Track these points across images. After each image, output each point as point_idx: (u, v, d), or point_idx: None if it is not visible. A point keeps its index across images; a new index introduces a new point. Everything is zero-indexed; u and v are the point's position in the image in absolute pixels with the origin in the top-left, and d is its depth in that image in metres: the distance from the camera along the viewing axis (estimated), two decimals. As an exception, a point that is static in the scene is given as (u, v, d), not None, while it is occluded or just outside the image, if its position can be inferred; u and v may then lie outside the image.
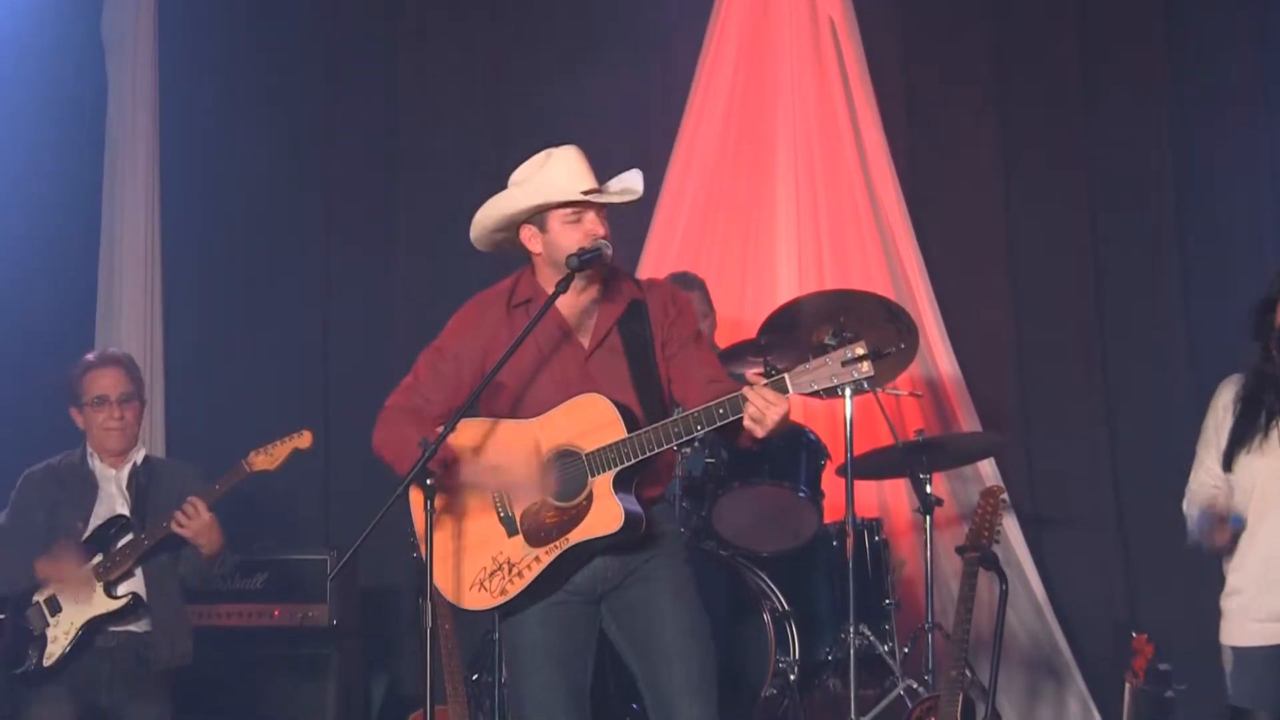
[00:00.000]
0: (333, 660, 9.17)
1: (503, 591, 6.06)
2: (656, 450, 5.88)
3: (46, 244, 10.18)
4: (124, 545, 7.72)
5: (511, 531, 6.08)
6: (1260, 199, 9.26)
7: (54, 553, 7.73)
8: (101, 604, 7.68)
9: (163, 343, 10.21)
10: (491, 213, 6.23)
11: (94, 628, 7.67)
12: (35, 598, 7.71)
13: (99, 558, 7.70)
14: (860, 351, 5.64)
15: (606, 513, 5.93)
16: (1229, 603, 6.40)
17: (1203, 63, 9.49)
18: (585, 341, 6.20)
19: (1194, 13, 9.53)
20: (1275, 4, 9.38)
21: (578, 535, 5.97)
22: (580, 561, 6.05)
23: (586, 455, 5.98)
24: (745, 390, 5.73)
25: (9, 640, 7.70)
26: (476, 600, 6.12)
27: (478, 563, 6.11)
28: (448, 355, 6.28)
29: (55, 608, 7.67)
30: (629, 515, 5.91)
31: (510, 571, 6.06)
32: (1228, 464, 6.35)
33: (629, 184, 6.21)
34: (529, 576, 6.02)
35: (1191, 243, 9.37)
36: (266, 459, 7.77)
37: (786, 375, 5.70)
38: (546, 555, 6.01)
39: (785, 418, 5.73)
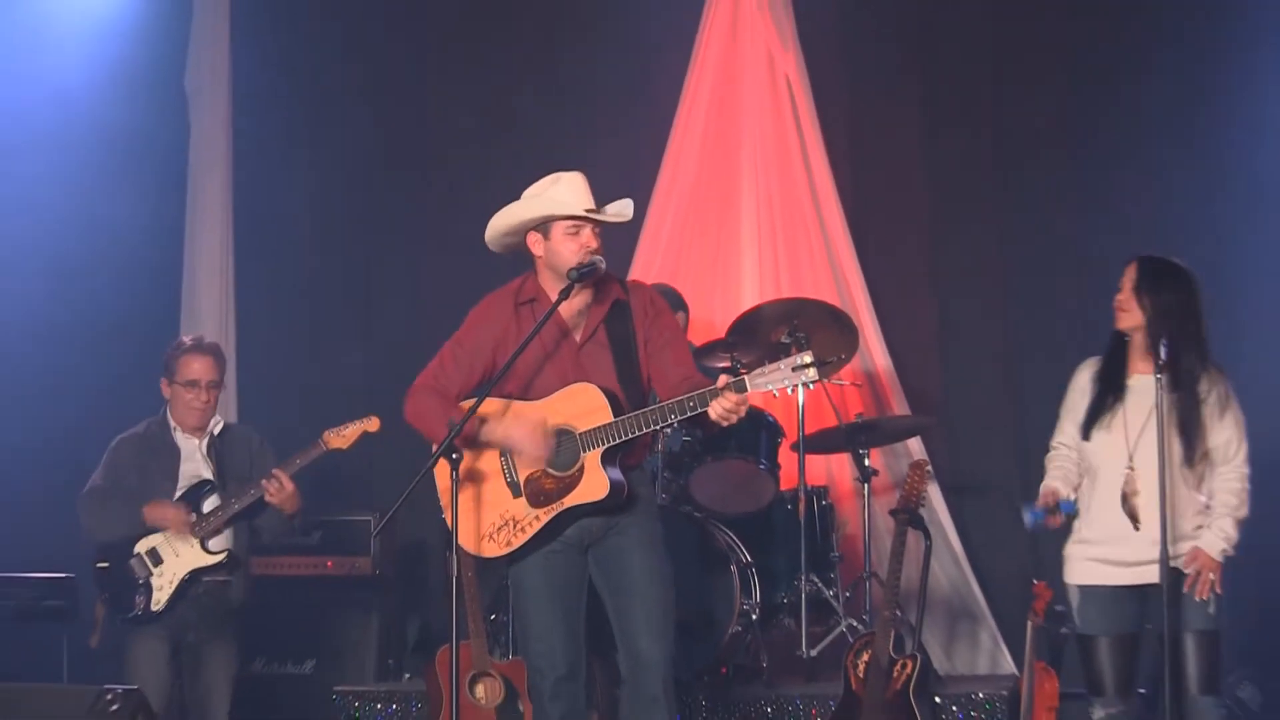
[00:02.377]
0: (375, 604, 9.26)
1: (508, 543, 6.23)
2: (638, 433, 6.01)
3: (138, 261, 10.25)
4: (216, 506, 7.70)
5: (516, 494, 6.24)
6: (1147, 224, 9.28)
7: (158, 503, 7.67)
8: (200, 557, 7.66)
9: (235, 340, 10.26)
10: (506, 218, 6.35)
11: (193, 578, 7.66)
12: (136, 549, 7.67)
13: (193, 516, 7.68)
14: (808, 360, 5.74)
15: (595, 482, 6.08)
16: (1076, 550, 6.51)
17: (1095, 113, 9.51)
18: (578, 337, 6.32)
19: (1087, 75, 9.56)
20: (1162, 42, 9.43)
21: (571, 500, 6.12)
22: (573, 520, 6.17)
23: (580, 434, 6.10)
24: (711, 390, 5.84)
25: (116, 586, 7.68)
26: (487, 549, 6.28)
27: (489, 519, 6.26)
28: (465, 345, 6.40)
29: (156, 559, 7.65)
30: (614, 485, 6.07)
31: (514, 527, 6.22)
32: (1086, 435, 6.46)
33: (621, 209, 6.32)
34: (530, 532, 6.19)
35: (1088, 255, 9.34)
36: (340, 439, 7.78)
37: (746, 378, 5.80)
38: (545, 515, 6.17)
39: (745, 412, 5.86)
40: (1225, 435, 6.37)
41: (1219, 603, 6.31)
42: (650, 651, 6.17)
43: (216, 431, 7.98)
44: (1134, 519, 6.31)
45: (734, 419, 5.85)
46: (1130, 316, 6.43)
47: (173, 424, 7.93)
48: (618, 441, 6.04)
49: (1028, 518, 6.53)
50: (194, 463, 7.90)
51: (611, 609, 6.30)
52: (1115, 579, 6.36)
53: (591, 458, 6.09)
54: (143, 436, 7.96)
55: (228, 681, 7.87)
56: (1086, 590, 6.45)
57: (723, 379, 5.84)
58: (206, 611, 7.77)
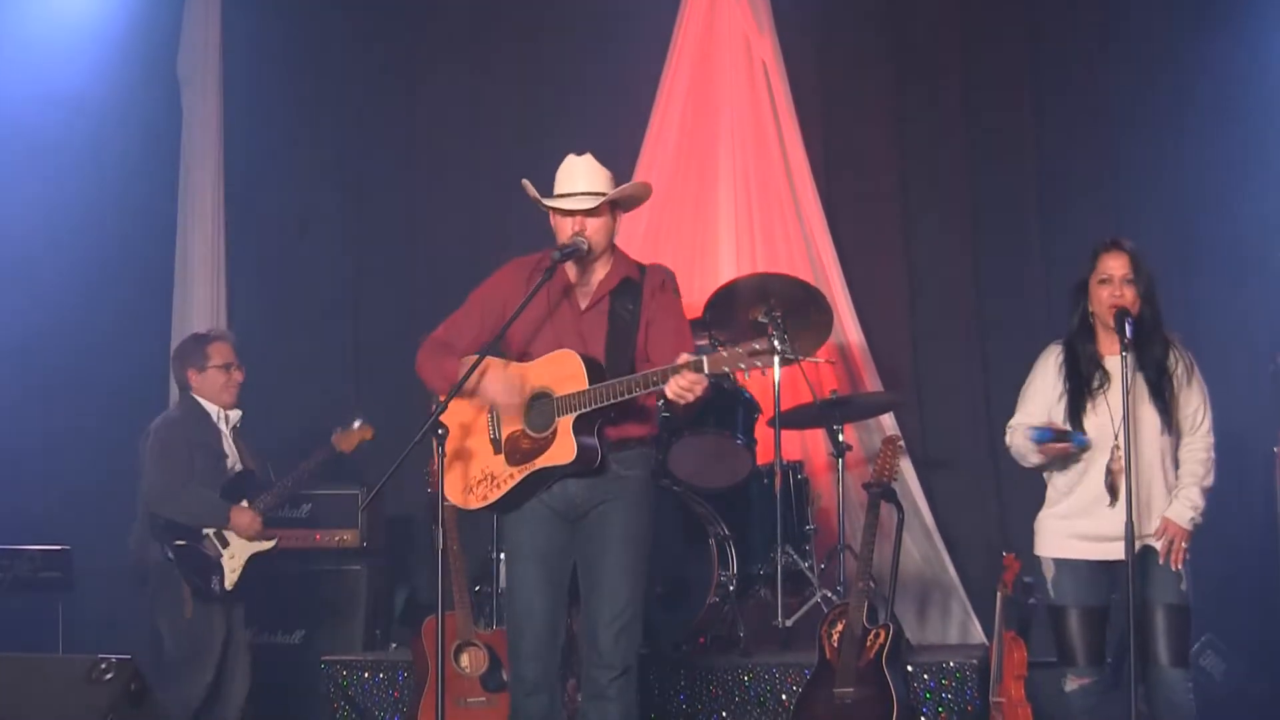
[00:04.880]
0: (363, 575, 9.30)
1: (484, 498, 6.27)
2: (604, 403, 6.00)
3: (130, 245, 10.27)
4: (261, 495, 8.05)
5: (497, 450, 6.26)
6: (1107, 207, 9.31)
7: (242, 509, 7.97)
8: (261, 544, 8.04)
9: (227, 324, 10.20)
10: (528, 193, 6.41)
11: (253, 560, 8.01)
12: (205, 530, 7.94)
13: (244, 503, 8.00)
14: (761, 348, 5.71)
15: (564, 447, 6.09)
16: (1051, 524, 6.50)
17: (1061, 98, 9.54)
18: (583, 304, 6.33)
19: (1053, 62, 9.58)
20: (1127, 26, 9.48)
21: (542, 462, 6.13)
22: (546, 482, 6.19)
23: (556, 399, 6.11)
24: (673, 367, 5.82)
25: (196, 564, 7.89)
26: (466, 501, 6.32)
27: (472, 473, 6.28)
28: (479, 304, 6.45)
29: (224, 541, 7.95)
30: (581, 451, 6.07)
31: (491, 483, 6.24)
32: (1076, 425, 6.42)
33: (579, 185, 6.30)
34: (504, 488, 6.21)
35: (1052, 237, 9.40)
36: (345, 442, 8.28)
37: (704, 359, 5.77)
38: (519, 473, 6.19)
39: (701, 391, 5.83)
40: (1194, 404, 6.40)
41: (1190, 578, 6.32)
42: (608, 649, 6.17)
43: (237, 423, 8.25)
44: (1114, 494, 6.31)
45: (690, 397, 5.82)
46: (1134, 304, 6.40)
47: (210, 408, 8.18)
48: (587, 409, 6.04)
49: (1034, 434, 6.49)
50: (227, 445, 8.19)
51: (583, 593, 6.30)
52: (1090, 554, 6.36)
53: (564, 422, 6.09)
54: (182, 420, 8.17)
55: (246, 639, 8.18)
56: (1061, 563, 6.45)
57: (683, 357, 5.81)
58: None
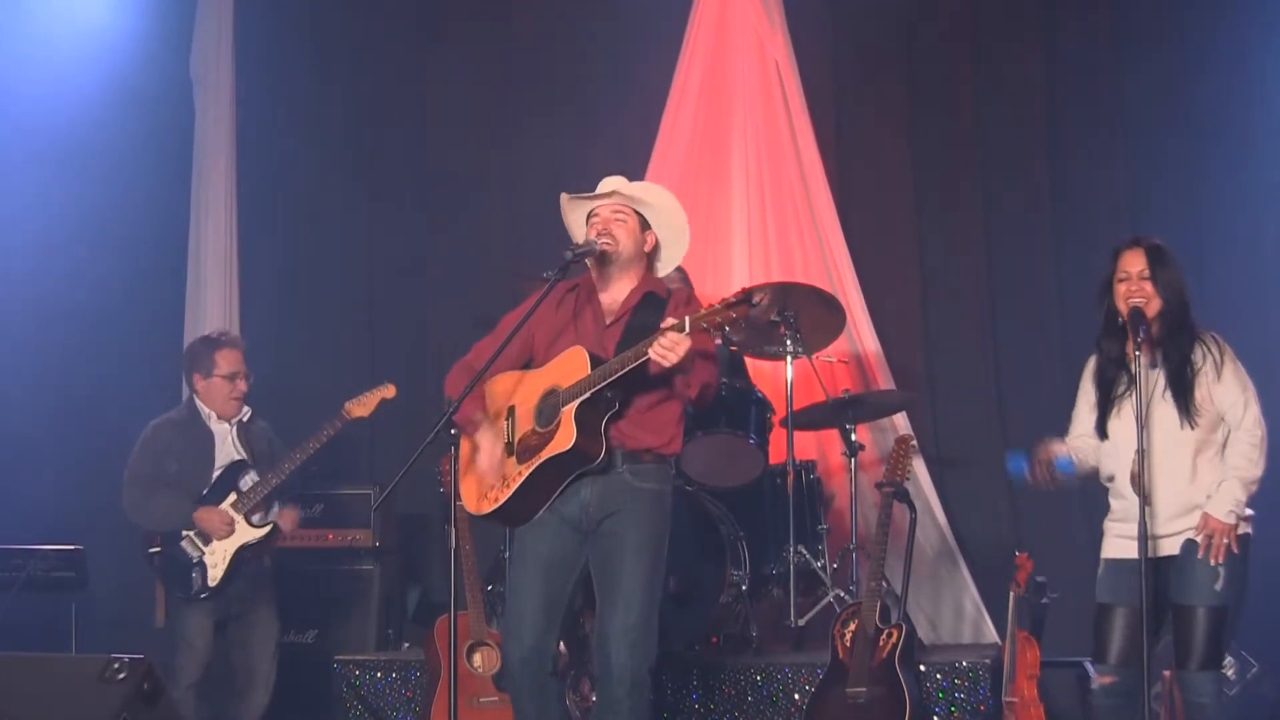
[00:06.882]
0: (376, 575, 9.31)
1: (495, 500, 6.25)
2: (603, 383, 6.00)
3: (143, 245, 10.25)
4: (255, 483, 8.02)
5: (510, 454, 6.26)
6: (1119, 209, 9.28)
7: (209, 508, 7.98)
8: (248, 533, 8.02)
9: (239, 324, 10.18)
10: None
11: (242, 552, 7.97)
12: (184, 531, 7.99)
13: (233, 496, 8.01)
14: (734, 299, 5.71)
15: (565, 434, 6.08)
16: (1108, 526, 6.50)
17: (1073, 98, 9.50)
18: (608, 319, 6.35)
19: (1066, 61, 9.54)
20: (1142, 25, 9.46)
21: (546, 452, 6.11)
22: (556, 478, 6.17)
23: (560, 392, 6.13)
24: (659, 332, 5.83)
25: (172, 567, 7.97)
26: (480, 507, 6.32)
27: (487, 480, 6.30)
28: (505, 325, 6.43)
29: (205, 539, 7.96)
30: (580, 435, 6.05)
31: (502, 484, 6.23)
32: (1103, 432, 6.42)
33: (603, 186, 6.46)
34: (513, 486, 6.19)
35: (1064, 239, 9.39)
36: (361, 408, 8.17)
37: (686, 319, 5.78)
38: (526, 469, 6.17)
39: (689, 351, 5.83)
40: (1230, 397, 6.31)
41: (1227, 578, 6.22)
42: (619, 660, 6.13)
43: (245, 419, 8.28)
44: (1140, 495, 6.28)
45: (673, 357, 5.79)
46: (1152, 303, 6.36)
47: (206, 411, 8.23)
48: (587, 393, 6.03)
49: (1010, 465, 6.53)
50: (226, 446, 8.22)
51: (598, 606, 6.28)
52: (1129, 552, 6.31)
53: (567, 411, 6.09)
54: (177, 423, 8.25)
55: (274, 647, 8.25)
56: (1108, 562, 6.44)
57: (668, 321, 5.84)
58: (250, 582, 8.10)
